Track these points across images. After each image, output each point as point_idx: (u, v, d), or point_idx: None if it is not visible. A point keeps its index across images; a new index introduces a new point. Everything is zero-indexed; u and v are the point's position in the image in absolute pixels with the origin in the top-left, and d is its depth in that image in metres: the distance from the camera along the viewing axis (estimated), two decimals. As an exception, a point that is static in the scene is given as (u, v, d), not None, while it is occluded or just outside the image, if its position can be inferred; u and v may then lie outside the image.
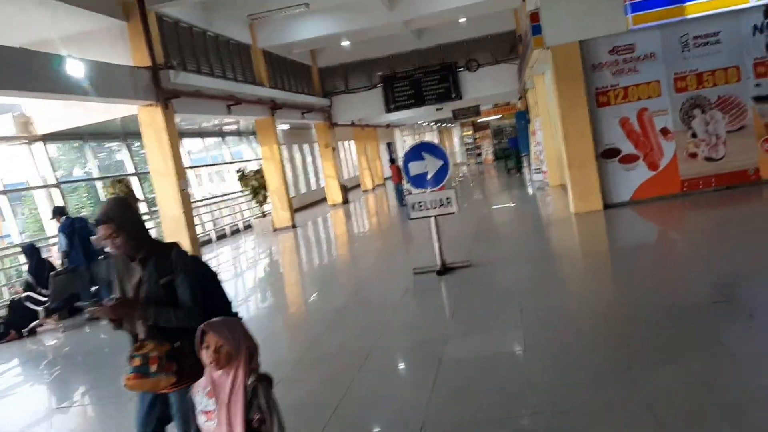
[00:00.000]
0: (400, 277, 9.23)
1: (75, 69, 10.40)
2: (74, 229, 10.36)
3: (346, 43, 22.37)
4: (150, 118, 13.23)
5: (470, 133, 39.89)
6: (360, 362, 5.67)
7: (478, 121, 39.20)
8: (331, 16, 19.10)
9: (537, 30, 12.32)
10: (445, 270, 8.83)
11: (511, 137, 29.17)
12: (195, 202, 20.15)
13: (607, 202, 11.96)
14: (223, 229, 20.65)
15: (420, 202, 8.99)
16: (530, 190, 19.66)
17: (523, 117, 24.28)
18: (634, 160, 12.05)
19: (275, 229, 19.42)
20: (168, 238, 13.91)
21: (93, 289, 10.49)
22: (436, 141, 60.38)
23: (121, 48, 12.97)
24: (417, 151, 9.08)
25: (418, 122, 45.52)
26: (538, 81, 17.88)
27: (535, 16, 12.34)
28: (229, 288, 12.03)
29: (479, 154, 36.24)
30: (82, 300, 10.33)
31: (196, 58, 15.70)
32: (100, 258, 10.61)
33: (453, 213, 9.01)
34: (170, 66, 13.45)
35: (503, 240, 11.82)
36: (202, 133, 21.88)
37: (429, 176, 8.97)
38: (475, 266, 8.93)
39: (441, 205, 8.93)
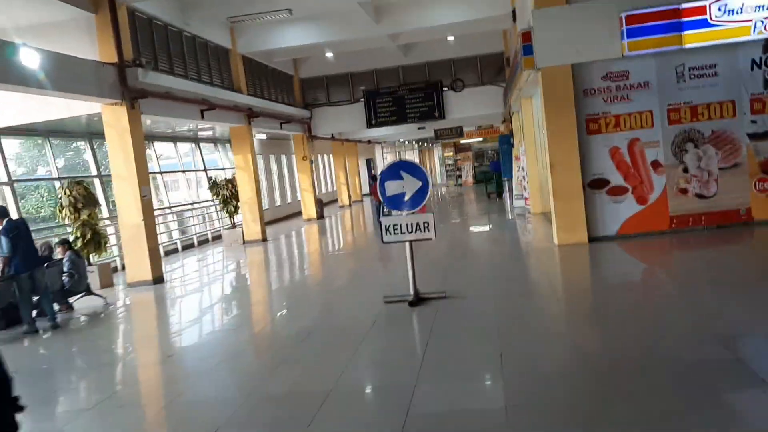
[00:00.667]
0: (370, 304, 8.50)
1: (30, 59, 9.59)
2: (19, 232, 9.46)
3: (329, 55, 21.75)
4: (114, 118, 12.44)
5: (451, 154, 39.40)
6: (314, 408, 4.92)
7: (461, 142, 38.77)
8: (314, 24, 18.48)
9: (528, 50, 11.77)
10: (418, 300, 8.11)
11: (493, 161, 28.67)
12: (162, 209, 19.30)
13: (592, 234, 11.34)
14: (191, 238, 19.78)
15: (395, 225, 8.28)
16: (510, 216, 19.08)
17: (507, 140, 23.76)
18: (622, 193, 11.47)
19: (245, 242, 18.61)
20: (127, 247, 13.13)
21: (35, 299, 9.62)
22: (416, 160, 59.97)
23: (88, 42, 12.17)
24: (395, 170, 8.37)
25: (400, 140, 45.02)
26: (525, 105, 17.37)
27: (527, 36, 11.79)
28: (186, 304, 11.20)
29: (459, 176, 35.72)
30: (22, 311, 9.43)
31: (170, 58, 14.94)
32: (43, 265, 9.76)
33: (430, 239, 8.33)
34: (139, 64, 12.67)
35: (482, 269, 11.14)
36: (175, 138, 21.04)
37: (406, 197, 8.26)
38: (450, 298, 8.22)
39: (418, 230, 8.24)
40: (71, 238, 12.20)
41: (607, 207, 11.49)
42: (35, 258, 9.57)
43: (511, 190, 23.26)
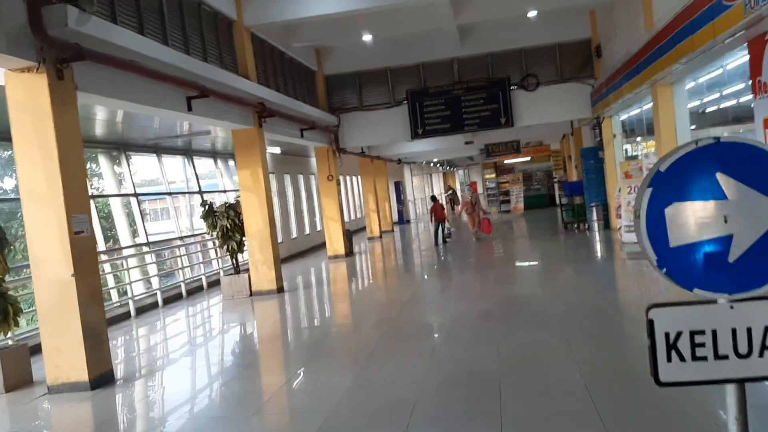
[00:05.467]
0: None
1: None
2: None
3: (367, 38, 16.33)
4: (25, 94, 7.02)
5: (493, 176, 33.89)
6: None
7: (504, 162, 33.27)
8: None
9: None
10: None
11: (567, 181, 23.12)
12: (137, 245, 13.82)
13: None
14: (179, 286, 14.23)
15: (698, 330, 2.64)
16: (623, 256, 13.46)
17: (594, 154, 18.24)
18: None
19: (252, 293, 13.06)
20: (46, 321, 7.55)
21: None
22: (440, 185, 54.42)
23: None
24: (704, 168, 2.76)
25: (434, 160, 39.59)
26: (662, 94, 11.87)
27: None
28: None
29: (505, 201, 30.16)
30: None
31: (137, 9, 9.50)
32: None
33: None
34: (72, 0, 7.23)
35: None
36: (157, 149, 15.59)
37: (736, 254, 2.63)
38: None
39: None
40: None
41: None
42: None
43: (606, 218, 17.72)
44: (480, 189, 34.18)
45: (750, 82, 7.83)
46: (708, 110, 11.56)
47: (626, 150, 17.10)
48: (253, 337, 9.95)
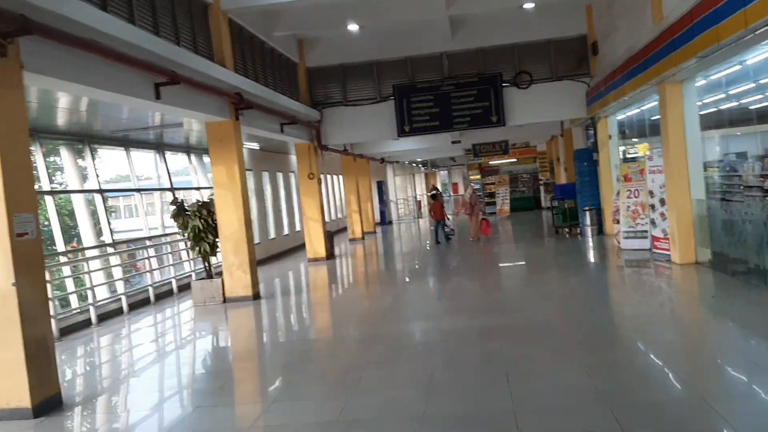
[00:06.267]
0: None
1: None
2: None
3: (353, 27, 15.35)
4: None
5: (478, 177, 33.02)
6: None
7: (489, 163, 32.47)
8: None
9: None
10: None
11: (557, 184, 22.30)
12: (101, 246, 12.77)
13: None
14: (147, 290, 13.15)
15: None
16: (622, 267, 12.67)
17: (587, 156, 17.47)
18: None
19: (226, 300, 12.05)
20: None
21: None
22: (422, 185, 53.67)
23: None
24: None
25: (416, 160, 38.73)
26: (671, 92, 11.07)
27: None
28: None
29: (490, 203, 29.28)
30: None
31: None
32: None
33: None
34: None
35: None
36: (127, 143, 14.50)
37: None
38: None
39: None
40: None
41: None
42: None
43: (600, 223, 16.96)
44: (461, 190, 33.35)
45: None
46: (724, 107, 10.79)
47: (623, 152, 16.33)
48: (225, 354, 8.93)
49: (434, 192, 24.75)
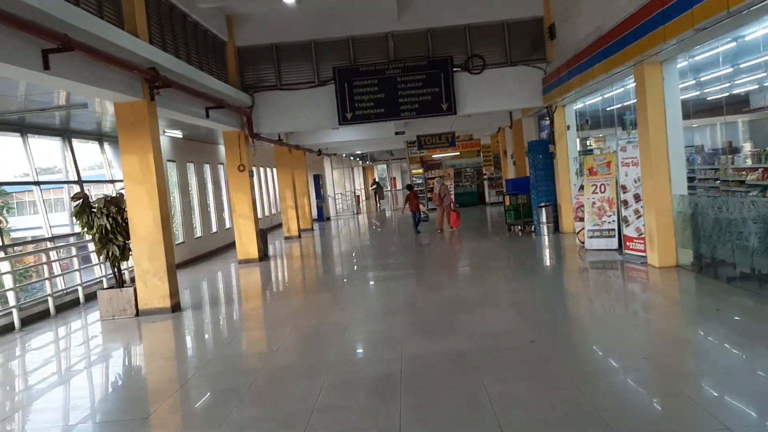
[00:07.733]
0: None
1: None
2: None
3: (289, 1, 13.59)
4: None
5: (420, 171, 31.64)
6: None
7: (432, 157, 31.17)
8: None
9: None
10: None
11: (509, 179, 21.04)
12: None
13: None
14: (45, 300, 11.12)
15: None
16: (587, 270, 11.48)
17: (544, 148, 16.27)
18: None
19: (139, 313, 10.19)
20: None
21: None
22: (358, 178, 52.21)
23: None
24: None
25: (356, 152, 37.13)
26: (650, 74, 9.86)
27: None
28: None
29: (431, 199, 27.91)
30: None
31: None
32: None
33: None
34: None
35: None
36: (23, 127, 12.36)
37: None
38: None
39: None
40: None
41: None
42: None
43: (556, 220, 15.81)
44: (400, 185, 31.97)
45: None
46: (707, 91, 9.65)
47: (588, 144, 15.19)
48: (134, 391, 7.07)
49: (376, 185, 23.62)
